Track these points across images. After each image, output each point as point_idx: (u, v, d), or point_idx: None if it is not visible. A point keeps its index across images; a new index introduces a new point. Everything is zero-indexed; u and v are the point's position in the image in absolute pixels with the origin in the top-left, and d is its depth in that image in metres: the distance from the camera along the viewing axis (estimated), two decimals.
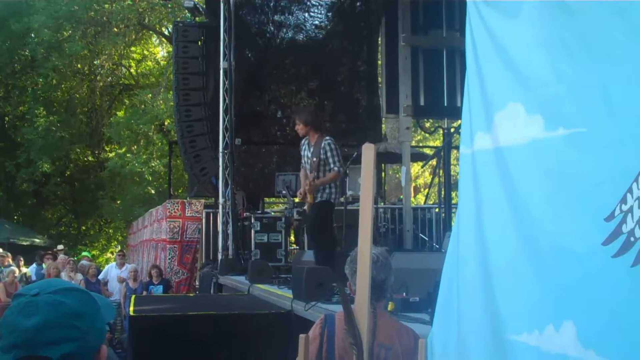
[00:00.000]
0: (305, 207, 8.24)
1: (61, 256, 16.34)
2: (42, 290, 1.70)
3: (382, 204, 14.38)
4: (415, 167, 22.50)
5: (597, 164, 2.56)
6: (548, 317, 2.66)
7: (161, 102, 26.03)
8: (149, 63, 32.17)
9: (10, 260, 16.13)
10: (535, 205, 2.82)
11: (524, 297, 2.81)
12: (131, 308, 7.41)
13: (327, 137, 7.94)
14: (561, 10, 2.79)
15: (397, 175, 21.42)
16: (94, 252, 30.40)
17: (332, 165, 7.77)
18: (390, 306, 4.78)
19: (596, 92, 2.59)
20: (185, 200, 15.55)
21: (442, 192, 8.61)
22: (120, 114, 30.28)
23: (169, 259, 14.70)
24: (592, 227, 2.53)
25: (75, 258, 18.02)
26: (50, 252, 16.60)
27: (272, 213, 12.60)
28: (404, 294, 5.49)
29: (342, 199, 8.81)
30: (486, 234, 3.10)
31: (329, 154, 7.74)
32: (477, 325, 3.08)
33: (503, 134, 3.04)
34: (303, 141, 8.21)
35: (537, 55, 2.89)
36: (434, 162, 9.73)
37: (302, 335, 3.48)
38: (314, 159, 7.82)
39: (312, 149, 7.91)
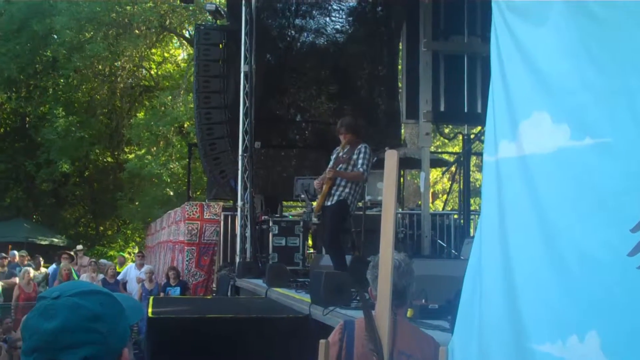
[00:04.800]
0: (315, 205, 8.22)
1: (85, 258, 16.46)
2: (63, 292, 1.69)
3: (401, 209, 14.35)
4: (434, 173, 22.48)
5: (623, 174, 2.55)
6: (572, 328, 2.64)
7: (181, 104, 26.13)
8: (170, 65, 32.32)
9: (28, 260, 16.18)
10: (560, 214, 2.80)
11: (547, 306, 2.79)
12: (149, 310, 7.41)
13: (365, 144, 7.97)
14: (588, 20, 2.77)
15: (416, 181, 21.35)
16: (111, 253, 30.55)
17: (359, 166, 7.77)
18: (409, 313, 4.76)
19: (622, 102, 2.57)
20: (203, 203, 15.56)
21: (461, 199, 8.59)
22: (140, 115, 30.41)
23: (187, 260, 14.70)
24: (617, 238, 2.51)
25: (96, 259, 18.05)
26: (67, 251, 16.60)
27: (291, 217, 12.59)
28: (423, 300, 5.47)
29: (360, 204, 8.78)
30: (510, 242, 3.08)
31: (361, 155, 7.78)
32: (499, 333, 3.06)
33: (528, 143, 3.02)
34: (337, 148, 8.22)
35: (563, 63, 2.87)
36: (453, 168, 9.74)
37: (322, 341, 3.48)
38: (344, 156, 7.83)
39: (346, 149, 7.92)
